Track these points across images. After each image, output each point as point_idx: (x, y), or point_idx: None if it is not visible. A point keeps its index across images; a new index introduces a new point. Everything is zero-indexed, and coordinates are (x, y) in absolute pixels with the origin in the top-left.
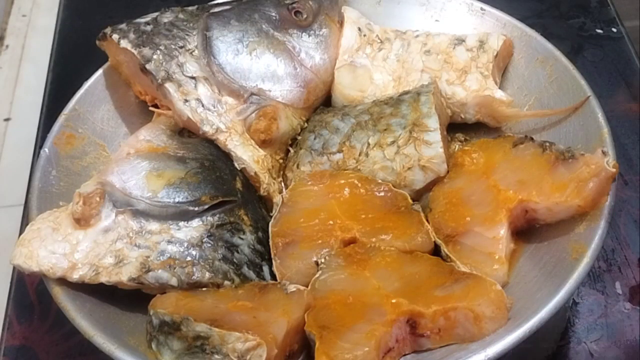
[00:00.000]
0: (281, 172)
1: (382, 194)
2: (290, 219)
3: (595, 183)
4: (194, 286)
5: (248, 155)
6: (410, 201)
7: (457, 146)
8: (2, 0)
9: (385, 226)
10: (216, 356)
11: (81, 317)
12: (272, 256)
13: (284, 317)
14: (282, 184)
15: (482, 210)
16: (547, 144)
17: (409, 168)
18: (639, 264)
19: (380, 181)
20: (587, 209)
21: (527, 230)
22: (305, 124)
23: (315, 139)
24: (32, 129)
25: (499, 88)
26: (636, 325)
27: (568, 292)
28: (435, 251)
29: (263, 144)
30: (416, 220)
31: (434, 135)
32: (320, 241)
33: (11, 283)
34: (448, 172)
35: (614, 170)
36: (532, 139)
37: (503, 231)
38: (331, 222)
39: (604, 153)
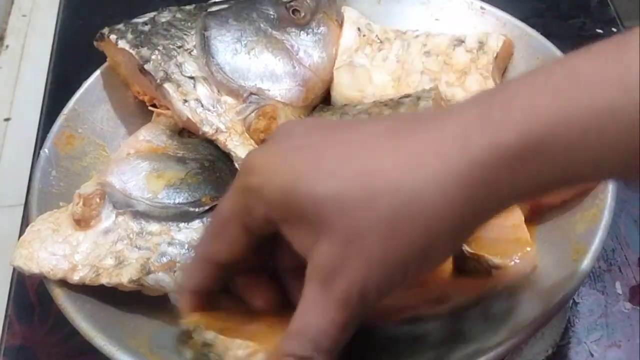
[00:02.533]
0: None
1: None
2: None
3: None
4: None
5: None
6: None
7: None
8: (2, 0)
9: None
10: None
11: (82, 318)
12: None
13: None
14: None
15: None
16: None
17: None
18: (639, 263)
19: None
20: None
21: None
22: None
23: None
24: (32, 129)
25: None
26: (636, 325)
27: (569, 293)
28: None
29: (263, 143)
30: None
31: None
32: None
33: (11, 283)
34: None
35: None
36: None
37: (521, 216)
38: None
39: None
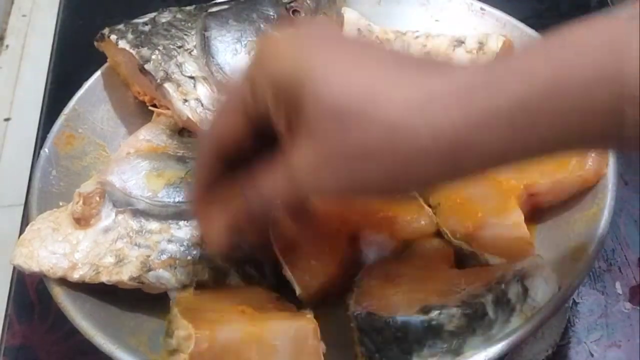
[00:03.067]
0: None
1: None
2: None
3: (595, 154)
4: (197, 285)
5: None
6: None
7: None
8: (2, 0)
9: (386, 216)
10: (168, 340)
11: (81, 317)
12: (282, 263)
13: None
14: None
15: (491, 203)
16: None
17: None
18: (639, 264)
19: None
20: (590, 182)
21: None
22: None
23: None
24: (32, 129)
25: None
26: (636, 325)
27: (569, 292)
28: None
29: None
30: (415, 205)
31: None
32: (326, 239)
33: (11, 283)
34: None
35: None
36: None
37: (521, 215)
38: (330, 219)
39: None
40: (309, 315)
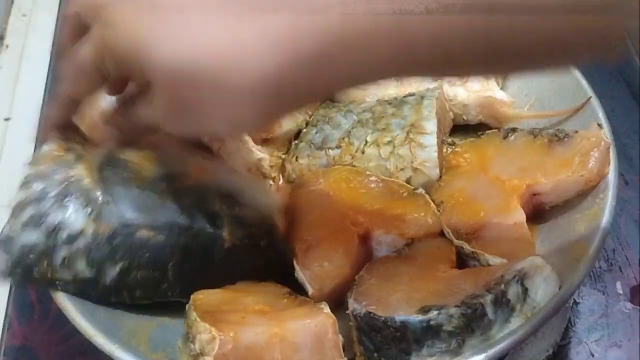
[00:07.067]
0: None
1: (373, 184)
2: (302, 224)
3: (598, 153)
4: None
5: (239, 163)
6: (410, 186)
7: (446, 149)
8: (2, 0)
9: (395, 214)
10: (191, 345)
11: (81, 316)
12: (295, 265)
13: (267, 326)
14: (281, 175)
15: (493, 202)
16: (536, 130)
17: (401, 169)
18: None
19: (368, 172)
20: (593, 181)
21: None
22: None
23: (316, 133)
24: (32, 129)
25: (500, 88)
26: (637, 325)
27: (569, 292)
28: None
29: (264, 142)
30: (422, 202)
31: (430, 139)
32: (338, 240)
33: (11, 283)
34: (440, 177)
35: (609, 141)
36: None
37: (523, 215)
38: (341, 219)
39: (599, 125)
40: (327, 310)
